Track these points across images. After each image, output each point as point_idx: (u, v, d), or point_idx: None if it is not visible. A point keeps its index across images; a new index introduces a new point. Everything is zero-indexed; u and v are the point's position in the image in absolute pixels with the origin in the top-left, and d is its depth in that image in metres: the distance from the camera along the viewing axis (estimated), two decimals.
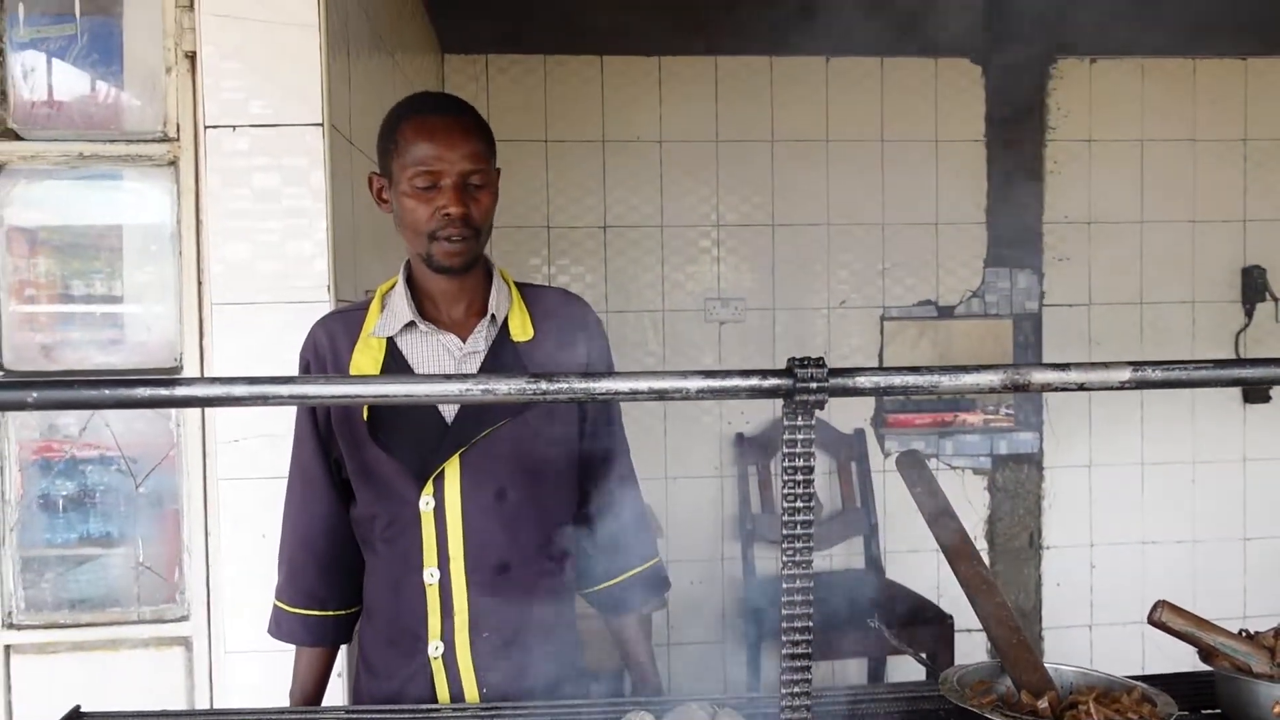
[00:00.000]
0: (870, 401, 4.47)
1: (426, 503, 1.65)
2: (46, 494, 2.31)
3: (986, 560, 4.56)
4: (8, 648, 2.26)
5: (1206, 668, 1.44)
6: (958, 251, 4.52)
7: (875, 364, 4.51)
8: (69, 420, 2.30)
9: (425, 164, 1.61)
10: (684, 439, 4.43)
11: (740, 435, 4.42)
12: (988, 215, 4.52)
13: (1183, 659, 1.60)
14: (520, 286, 1.82)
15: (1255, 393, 4.61)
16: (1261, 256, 4.61)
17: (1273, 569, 4.66)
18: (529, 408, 1.67)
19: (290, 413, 1.87)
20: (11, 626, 2.26)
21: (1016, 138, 4.50)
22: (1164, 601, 1.47)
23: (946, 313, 4.53)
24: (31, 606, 2.29)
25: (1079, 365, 1.09)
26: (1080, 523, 4.59)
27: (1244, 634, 1.48)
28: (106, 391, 1.03)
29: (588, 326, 1.80)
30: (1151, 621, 1.46)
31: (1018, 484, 4.59)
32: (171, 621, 2.29)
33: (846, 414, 4.45)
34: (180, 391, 1.04)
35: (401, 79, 3.19)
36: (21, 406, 1.04)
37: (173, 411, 2.29)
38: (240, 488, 2.23)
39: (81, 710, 1.49)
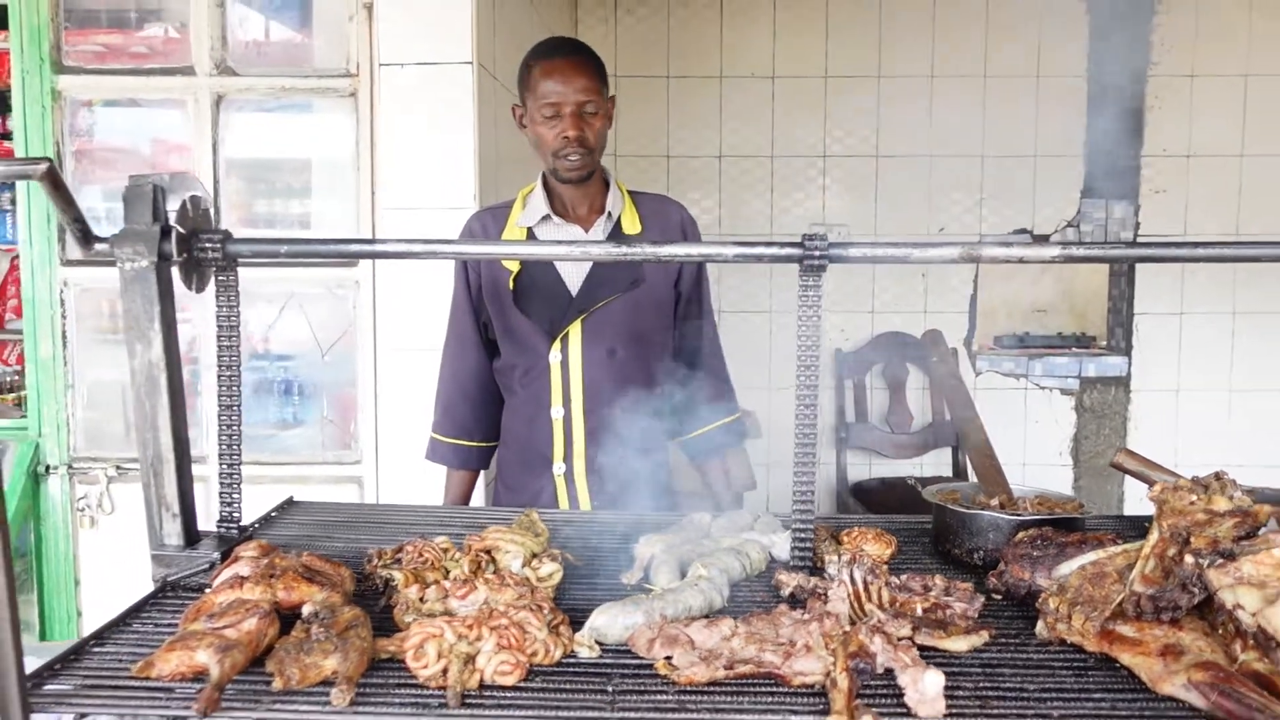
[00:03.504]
0: (964, 321, 4.78)
1: (555, 356, 2.16)
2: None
3: (1070, 476, 4.88)
4: (192, 480, 2.87)
5: None
6: (1054, 182, 4.75)
7: (970, 288, 4.82)
8: (272, 306, 2.87)
9: (549, 97, 2.09)
10: (786, 353, 4.83)
11: (839, 351, 4.80)
12: (1085, 148, 4.73)
13: None
14: (631, 193, 2.29)
15: None
16: None
17: None
18: (636, 286, 2.15)
19: (441, 295, 2.39)
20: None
21: (1117, 72, 4.68)
22: (1124, 448, 1.84)
23: (1042, 241, 4.77)
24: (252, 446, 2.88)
25: (1021, 244, 1.48)
26: (1166, 445, 4.81)
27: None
28: (332, 246, 1.52)
29: (683, 223, 2.27)
30: (1111, 464, 1.83)
31: (1104, 405, 4.85)
32: (349, 464, 2.87)
33: (941, 334, 4.77)
34: (381, 247, 1.53)
35: (539, 20, 3.66)
36: (275, 256, 1.55)
37: (351, 296, 2.85)
38: (399, 359, 2.77)
39: (293, 499, 2.03)
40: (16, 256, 3.23)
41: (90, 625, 1.03)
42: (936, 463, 4.80)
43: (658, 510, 1.98)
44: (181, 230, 1.47)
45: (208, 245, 1.50)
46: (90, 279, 3.01)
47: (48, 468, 3.03)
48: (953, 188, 4.77)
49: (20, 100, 2.86)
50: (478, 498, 2.46)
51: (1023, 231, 4.78)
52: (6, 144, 3.63)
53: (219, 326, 1.55)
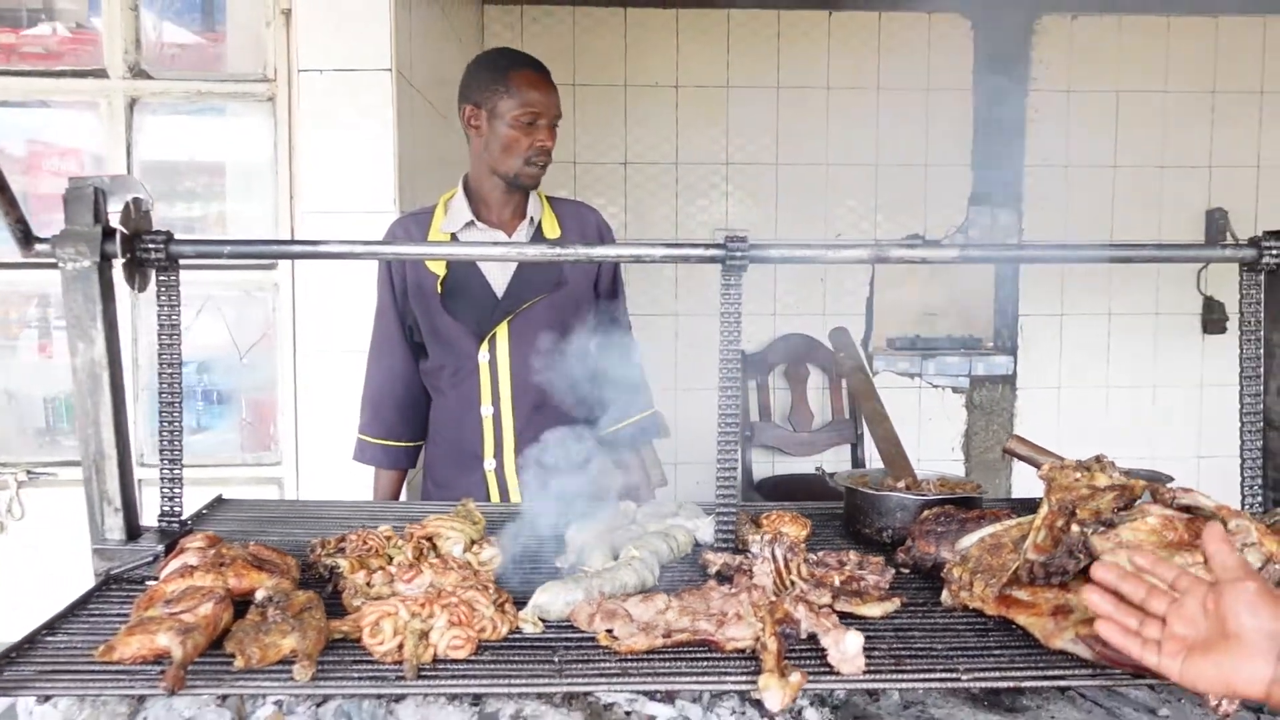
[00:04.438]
0: (861, 323, 4.98)
1: (484, 356, 2.23)
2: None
3: (962, 470, 5.12)
4: (140, 481, 2.85)
5: None
6: (944, 191, 4.98)
7: (867, 291, 5.02)
8: (188, 309, 2.86)
9: (532, 106, 2.17)
10: (691, 355, 4.96)
11: (743, 352, 4.95)
12: (973, 158, 4.98)
13: None
14: (549, 199, 2.38)
15: (1213, 323, 5.07)
16: (1224, 200, 5.04)
17: (1225, 486, 5.14)
18: (560, 288, 2.24)
19: (360, 298, 2.44)
20: (142, 464, 2.85)
21: (1001, 87, 4.94)
22: (1014, 435, 2.00)
23: (933, 247, 4.99)
24: (155, 450, 2.88)
25: (925, 245, 1.62)
26: (1049, 439, 5.02)
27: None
28: (276, 247, 1.57)
29: (599, 226, 2.37)
30: (1004, 450, 1.99)
31: (993, 402, 5.11)
32: (268, 465, 2.89)
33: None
34: (324, 249, 1.58)
35: (449, 28, 3.71)
36: (219, 256, 1.59)
37: (270, 298, 2.87)
38: (319, 361, 2.80)
39: (223, 497, 2.05)
40: None
41: (5, 628, 1.06)
42: (836, 459, 4.98)
43: (586, 502, 2.06)
44: (124, 231, 1.50)
45: (150, 246, 1.53)
46: (18, 283, 2.95)
47: None
48: (849, 195, 4.97)
49: None
50: (401, 497, 2.51)
51: (915, 237, 5.01)
52: None
53: (160, 326, 1.58)
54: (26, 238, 1.50)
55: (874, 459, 4.92)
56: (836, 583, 1.47)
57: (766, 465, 5.02)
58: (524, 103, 2.18)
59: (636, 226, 4.92)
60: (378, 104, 2.71)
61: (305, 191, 2.77)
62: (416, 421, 2.40)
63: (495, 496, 2.29)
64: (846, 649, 1.23)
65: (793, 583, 1.46)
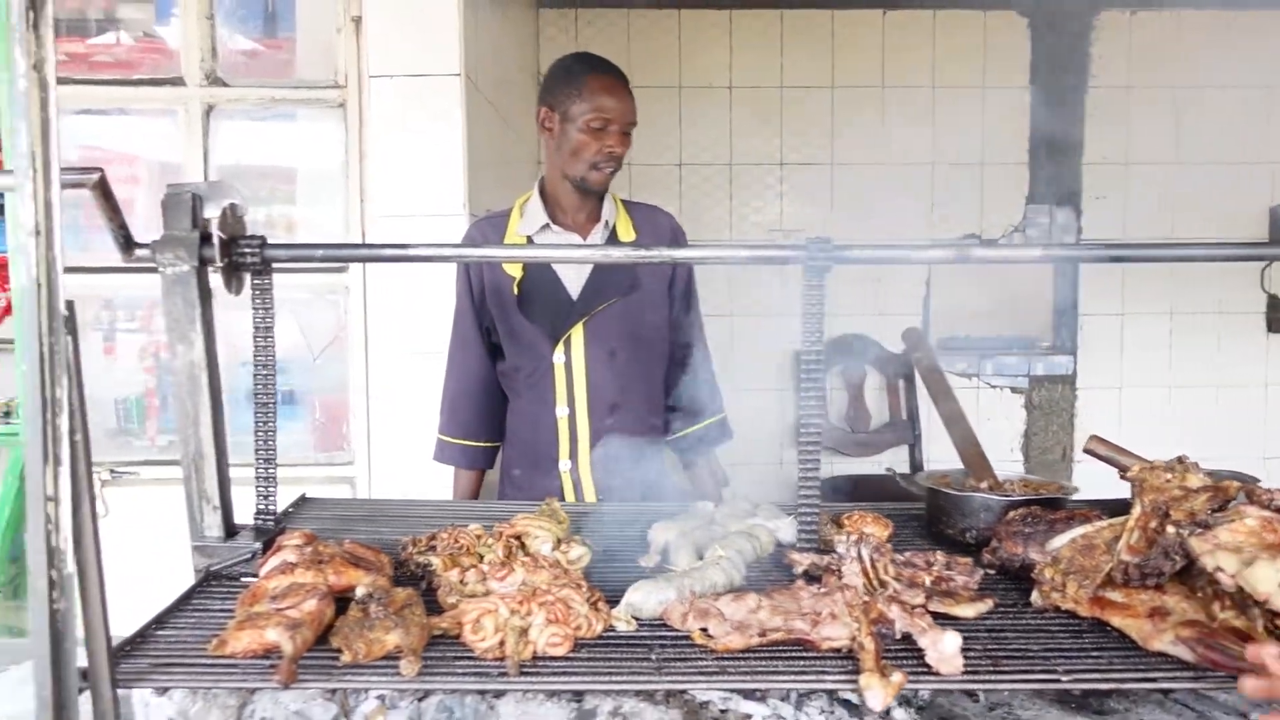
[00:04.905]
0: (917, 323, 4.95)
1: (559, 357, 2.26)
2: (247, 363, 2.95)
3: (1021, 470, 5.06)
4: (230, 475, 2.91)
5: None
6: (1001, 190, 4.94)
7: (923, 290, 5.00)
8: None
9: (604, 111, 2.19)
10: (750, 355, 4.96)
11: (798, 353, 4.94)
12: (1030, 156, 4.93)
13: None
14: (623, 202, 2.40)
15: (1278, 322, 4.98)
16: None
17: None
18: (634, 290, 2.26)
19: (430, 300, 2.47)
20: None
21: (1059, 84, 4.90)
22: (1094, 435, 1.98)
23: (989, 245, 4.95)
24: (236, 450, 2.92)
25: (1007, 246, 1.61)
26: (1109, 438, 5.00)
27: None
28: (366, 250, 1.59)
29: (672, 230, 2.38)
30: (1084, 450, 1.97)
31: (1052, 402, 5.05)
32: (341, 465, 2.93)
33: (896, 335, 4.93)
34: (411, 251, 1.61)
35: (510, 32, 3.75)
36: (311, 260, 1.63)
37: (342, 301, 2.91)
38: (390, 362, 2.84)
39: (306, 496, 2.09)
40: None
41: None
42: (894, 459, 4.95)
43: (660, 502, 2.08)
44: (222, 235, 1.54)
45: (246, 250, 1.57)
46: (88, 286, 3.03)
47: None
48: (904, 195, 4.94)
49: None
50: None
51: (971, 237, 4.97)
52: None
53: (256, 328, 1.62)
54: (127, 243, 1.54)
55: (932, 460, 4.91)
56: (927, 583, 1.47)
57: (825, 466, 5.01)
58: (595, 108, 2.20)
59: (691, 228, 4.84)
60: (447, 108, 2.75)
61: (375, 195, 2.81)
62: (494, 422, 2.43)
63: (570, 497, 2.32)
64: (945, 649, 1.23)
65: (882, 583, 1.47)
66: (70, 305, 1.04)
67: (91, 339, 3.25)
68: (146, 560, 2.22)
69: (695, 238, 5.00)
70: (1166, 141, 4.94)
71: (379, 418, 2.88)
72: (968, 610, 1.39)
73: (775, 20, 4.86)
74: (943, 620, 1.36)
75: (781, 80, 4.89)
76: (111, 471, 2.97)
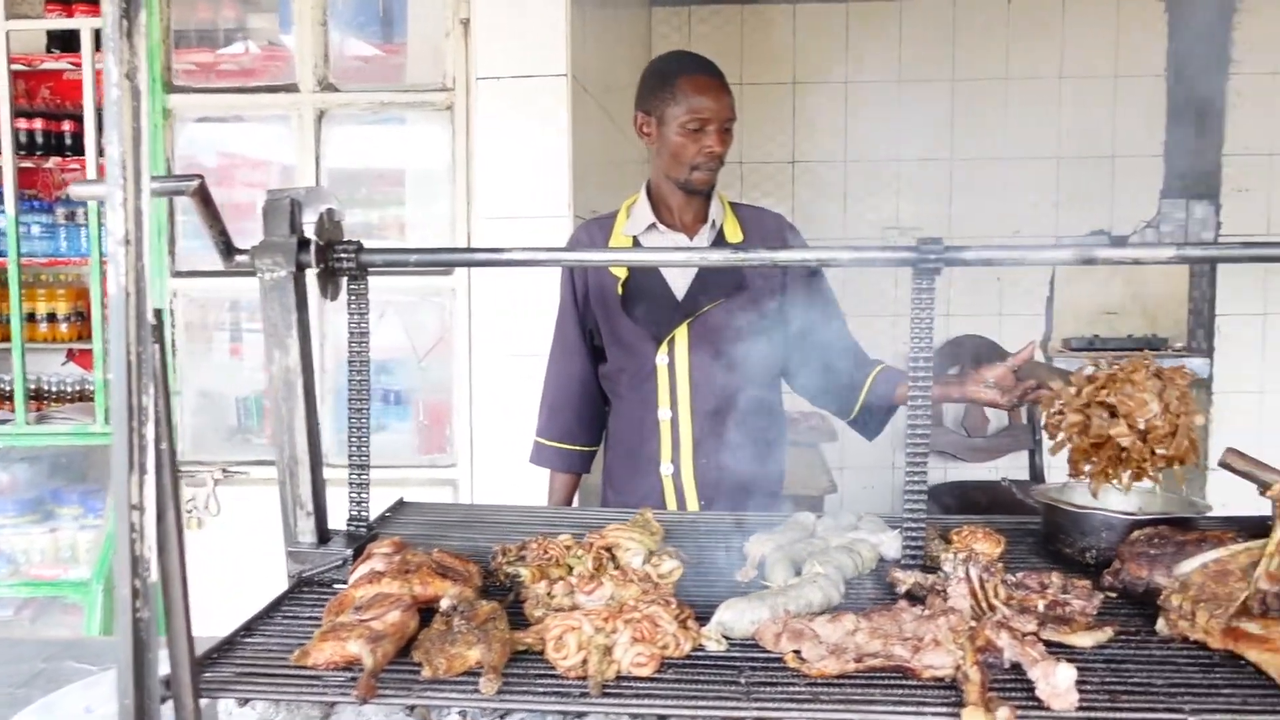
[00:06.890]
0: (1040, 324, 4.76)
1: (662, 359, 2.22)
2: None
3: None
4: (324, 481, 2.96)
5: None
6: (1133, 183, 4.71)
7: (1046, 290, 4.80)
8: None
9: (699, 112, 2.14)
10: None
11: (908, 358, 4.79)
12: (1165, 148, 4.69)
13: None
14: (731, 203, 2.34)
15: None
16: None
17: None
18: (740, 291, 2.20)
19: (534, 302, 2.46)
20: (326, 465, 2.96)
21: (1198, 71, 4.63)
22: (1230, 448, 1.84)
23: (1119, 242, 4.73)
24: (339, 451, 2.98)
25: (1135, 245, 1.50)
26: (1249, 447, 4.72)
27: None
28: (460, 255, 1.57)
29: (782, 231, 2.31)
30: (1220, 464, 1.83)
31: None
32: (444, 467, 2.95)
33: (1017, 340, 4.75)
34: (505, 256, 1.58)
35: (618, 31, 3.72)
36: (405, 265, 1.62)
37: (447, 303, 2.94)
38: (494, 365, 2.85)
39: (403, 500, 2.09)
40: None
41: (199, 622, 1.10)
42: (1011, 466, 4.77)
43: (764, 510, 2.02)
44: (319, 241, 1.54)
45: (342, 255, 1.57)
46: (198, 290, 3.12)
47: None
48: (1028, 190, 4.76)
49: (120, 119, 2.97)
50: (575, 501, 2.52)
51: (1100, 233, 4.75)
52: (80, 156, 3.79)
53: (351, 333, 1.62)
54: (228, 249, 1.56)
55: (1054, 467, 4.70)
56: (1040, 607, 1.38)
57: (939, 472, 4.85)
58: (690, 109, 2.14)
59: (804, 227, 4.75)
60: (553, 109, 2.74)
61: (482, 197, 2.83)
62: (593, 426, 2.41)
63: (672, 502, 2.27)
64: (1058, 683, 1.14)
65: (991, 606, 1.38)
66: (158, 314, 1.03)
67: (218, 339, 3.35)
68: (256, 559, 2.26)
69: (809, 237, 4.92)
70: None
71: (482, 420, 2.89)
72: (1085, 639, 1.29)
73: (893, 13, 4.73)
74: (1056, 650, 1.27)
75: (899, 73, 4.76)
76: (224, 470, 3.05)
